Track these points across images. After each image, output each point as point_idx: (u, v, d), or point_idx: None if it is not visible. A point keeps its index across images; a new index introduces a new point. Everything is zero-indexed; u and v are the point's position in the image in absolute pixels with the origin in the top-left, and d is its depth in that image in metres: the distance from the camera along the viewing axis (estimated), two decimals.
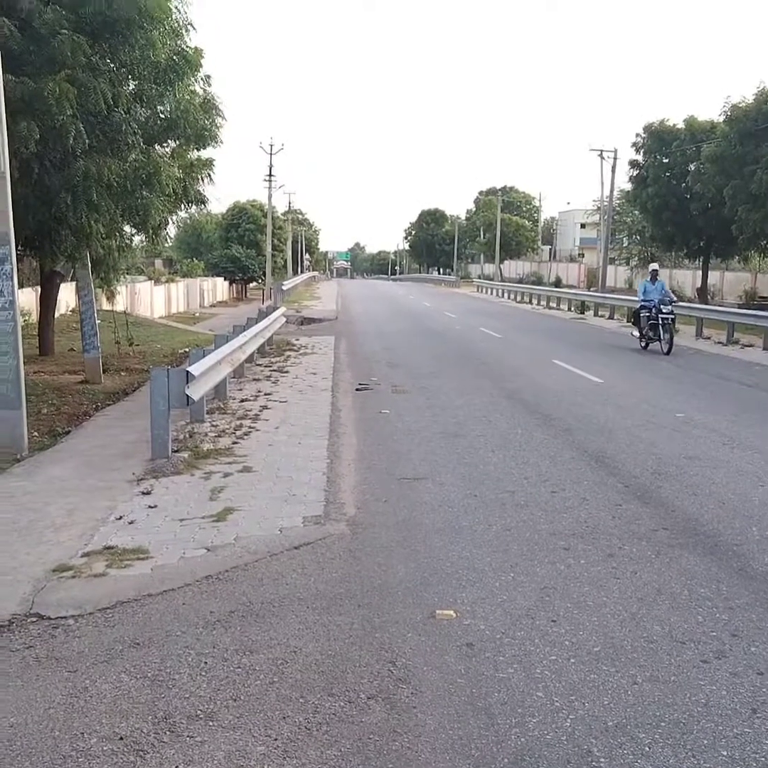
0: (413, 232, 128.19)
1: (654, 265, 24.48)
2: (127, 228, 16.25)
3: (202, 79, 15.30)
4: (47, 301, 19.31)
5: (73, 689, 4.44)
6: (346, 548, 6.61)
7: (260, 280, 62.02)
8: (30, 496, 7.99)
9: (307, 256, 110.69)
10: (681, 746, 3.90)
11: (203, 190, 17.27)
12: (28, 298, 25.16)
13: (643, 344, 22.32)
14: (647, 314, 21.88)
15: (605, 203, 50.30)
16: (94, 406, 13.07)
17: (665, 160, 39.06)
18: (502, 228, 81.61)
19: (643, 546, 6.68)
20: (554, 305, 44.52)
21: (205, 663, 4.71)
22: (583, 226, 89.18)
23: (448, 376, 16.62)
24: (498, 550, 6.56)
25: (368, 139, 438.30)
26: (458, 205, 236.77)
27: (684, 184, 37.08)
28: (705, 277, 41.86)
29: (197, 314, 41.18)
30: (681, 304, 32.94)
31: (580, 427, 11.47)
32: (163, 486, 8.33)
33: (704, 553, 6.52)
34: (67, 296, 26.49)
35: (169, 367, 11.75)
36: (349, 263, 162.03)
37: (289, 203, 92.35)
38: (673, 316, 21.76)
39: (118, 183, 12.69)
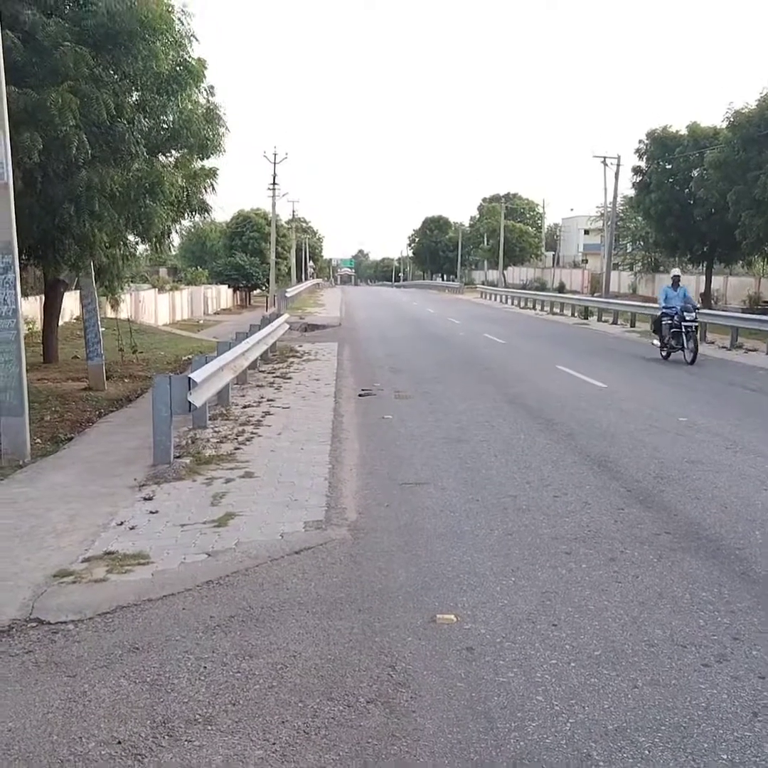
0: (417, 239, 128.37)
1: (675, 271, 23.27)
2: (130, 237, 16.31)
3: (205, 89, 15.37)
4: (51, 309, 19.36)
5: (72, 694, 4.44)
6: (347, 553, 6.60)
7: (264, 288, 62.11)
8: (32, 502, 7.99)
9: (310, 263, 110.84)
10: (681, 750, 3.88)
11: (206, 199, 17.35)
12: (32, 307, 25.25)
13: (664, 353, 21.20)
14: (669, 322, 20.77)
15: (608, 209, 50.33)
16: (97, 412, 13.09)
17: (668, 166, 39.10)
18: (506, 234, 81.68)
19: (645, 550, 6.66)
20: (558, 311, 44.48)
21: (205, 667, 4.70)
22: (586, 232, 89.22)
23: (451, 382, 16.61)
24: (499, 555, 6.55)
25: (371, 147, 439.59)
26: (462, 212, 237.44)
27: (687, 190, 37.10)
28: (709, 282, 41.83)
29: (201, 322, 41.26)
30: None
31: (583, 431, 11.45)
32: (164, 492, 8.33)
33: (706, 557, 6.50)
34: (71, 304, 26.55)
35: (172, 373, 11.76)
36: (353, 270, 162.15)
37: (293, 211, 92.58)
38: (696, 324, 20.89)
39: (120, 192, 12.73)
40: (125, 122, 12.65)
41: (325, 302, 55.43)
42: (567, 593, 5.77)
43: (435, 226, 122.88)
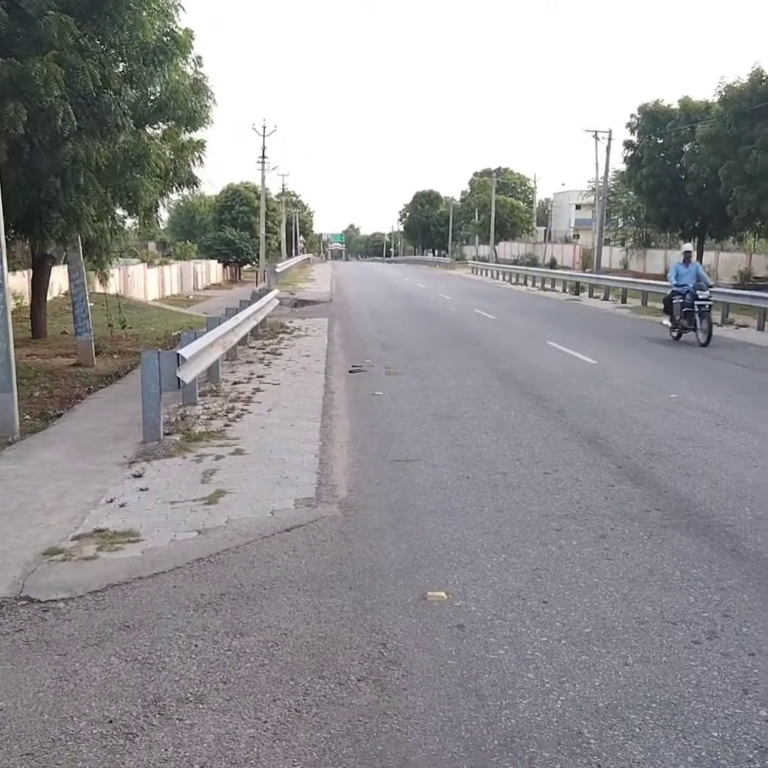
0: (408, 214, 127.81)
1: (687, 246, 22.16)
2: (118, 211, 16.18)
3: (192, 60, 15.21)
4: (39, 284, 19.23)
5: (63, 672, 4.42)
6: (337, 530, 6.59)
7: (254, 263, 61.85)
8: (21, 480, 7.95)
9: (301, 238, 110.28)
10: (672, 727, 3.90)
11: (195, 171, 17.21)
12: (20, 282, 25.09)
13: (674, 334, 20.05)
14: (681, 301, 19.53)
15: (600, 184, 50.13)
16: (86, 389, 13.03)
17: (660, 141, 39.03)
18: (497, 209, 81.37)
19: (635, 527, 6.67)
20: (549, 286, 44.47)
21: (195, 646, 4.69)
22: (578, 207, 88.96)
23: (442, 358, 16.59)
24: (490, 532, 6.55)
25: (362, 121, 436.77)
26: (453, 187, 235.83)
27: (678, 165, 37.05)
28: (700, 257, 41.77)
29: (191, 297, 41.11)
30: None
31: (574, 408, 11.45)
32: (154, 469, 8.30)
33: (696, 534, 6.51)
34: (59, 279, 26.39)
35: (161, 349, 11.70)
36: (344, 245, 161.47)
37: (283, 185, 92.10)
38: (710, 303, 19.52)
39: (106, 166, 12.60)
40: (112, 93, 12.49)
41: (315, 277, 55.24)
42: (557, 570, 5.78)
43: (426, 201, 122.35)
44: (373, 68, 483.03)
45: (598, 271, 44.81)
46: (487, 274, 61.86)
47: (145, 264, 41.97)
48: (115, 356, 16.54)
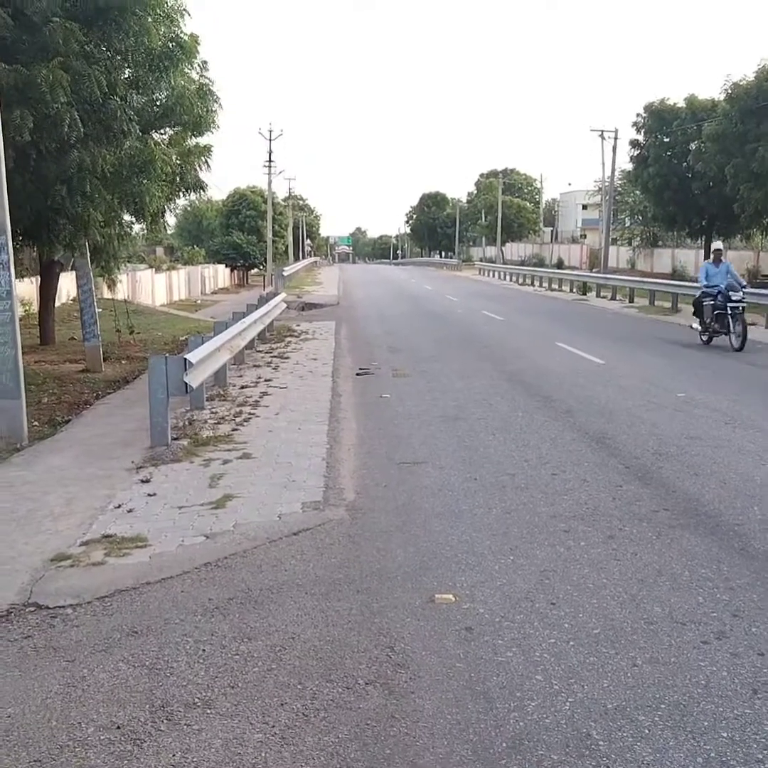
0: (414, 216, 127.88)
1: (717, 244, 20.91)
2: (126, 216, 16.22)
3: (198, 65, 15.25)
4: (47, 291, 19.28)
5: (71, 679, 4.43)
6: (345, 533, 6.59)
7: (261, 267, 61.86)
8: (29, 486, 7.97)
9: (308, 241, 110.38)
10: (681, 728, 3.88)
11: (201, 176, 17.24)
12: (28, 288, 25.16)
13: (704, 338, 18.83)
14: (712, 302, 18.27)
15: (606, 184, 50.05)
16: (94, 394, 13.06)
17: (666, 140, 38.93)
18: (504, 210, 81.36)
19: (643, 527, 6.65)
20: (556, 287, 44.45)
21: (203, 650, 4.69)
22: (584, 207, 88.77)
23: (449, 360, 16.58)
24: (497, 534, 6.53)
25: (368, 124, 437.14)
26: (459, 188, 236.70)
27: (685, 163, 36.95)
28: (707, 256, 41.66)
29: (198, 301, 41.13)
30: (683, 283, 32.93)
31: (581, 408, 11.42)
32: (162, 474, 8.31)
33: (705, 534, 6.49)
34: (67, 285, 26.46)
35: (168, 354, 11.71)
36: (351, 248, 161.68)
37: (290, 189, 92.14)
38: (744, 304, 18.20)
39: (112, 172, 12.62)
40: (118, 99, 12.53)
41: (322, 281, 55.29)
42: (565, 571, 5.76)
43: (432, 203, 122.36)
44: (378, 70, 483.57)
45: (606, 270, 44.72)
46: (494, 276, 61.82)
47: (153, 269, 42.02)
48: (123, 362, 16.57)
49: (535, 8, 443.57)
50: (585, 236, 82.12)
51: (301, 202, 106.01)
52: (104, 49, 12.83)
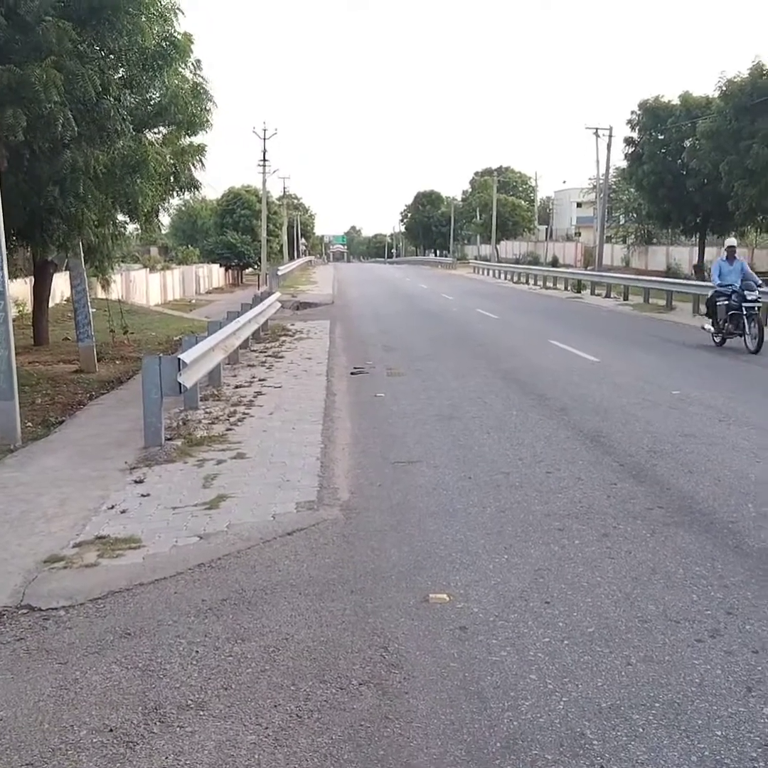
0: (409, 215, 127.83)
1: (731, 240, 19.89)
2: (120, 216, 16.19)
3: (192, 64, 15.22)
4: (41, 291, 19.24)
5: (64, 681, 4.41)
6: (339, 533, 6.57)
7: (256, 266, 61.85)
8: (22, 487, 7.94)
9: (302, 240, 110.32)
10: (675, 727, 3.87)
11: (195, 175, 17.22)
12: (22, 289, 25.11)
13: (717, 339, 17.98)
14: (726, 302, 17.40)
15: (601, 181, 50.09)
16: (88, 395, 13.03)
17: (661, 137, 38.99)
18: (498, 208, 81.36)
19: (637, 525, 6.64)
20: (551, 285, 44.47)
21: (197, 652, 4.67)
22: (579, 205, 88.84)
23: (444, 359, 16.57)
24: (492, 532, 6.52)
25: (362, 122, 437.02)
26: (454, 187, 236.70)
27: (679, 161, 37.00)
28: (702, 253, 41.77)
29: (193, 301, 41.11)
30: (678, 281, 32.97)
31: (576, 406, 11.42)
32: (155, 474, 8.29)
33: (699, 532, 6.48)
34: (61, 285, 26.42)
35: (162, 354, 11.69)
36: (346, 247, 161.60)
37: (284, 188, 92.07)
38: (760, 304, 17.33)
39: (105, 173, 12.59)
40: (111, 99, 12.48)
41: (317, 280, 55.26)
42: (560, 570, 5.75)
43: (427, 201, 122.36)
44: (372, 69, 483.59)
45: (600, 268, 44.78)
46: (489, 274, 61.86)
47: (147, 269, 41.99)
48: (117, 362, 16.54)
49: (530, 7, 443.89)
50: (579, 234, 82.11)
51: (295, 201, 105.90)
52: (98, 48, 12.79)
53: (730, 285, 17.61)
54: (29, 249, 17.82)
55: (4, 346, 9.70)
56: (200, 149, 16.95)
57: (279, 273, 43.89)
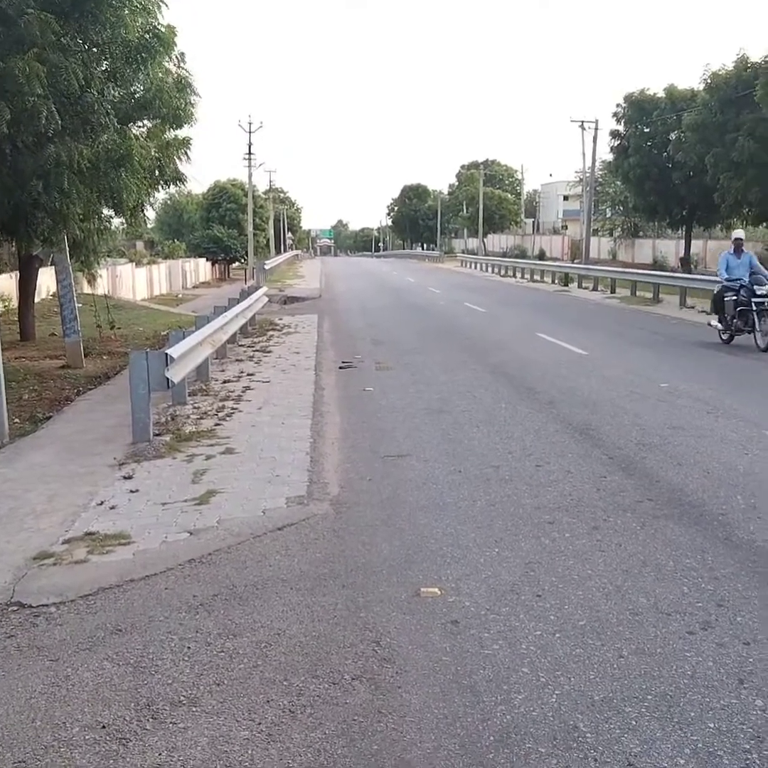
0: (396, 208, 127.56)
1: (738, 232, 19.01)
2: (105, 210, 16.08)
3: (176, 57, 15.09)
4: (26, 286, 19.13)
5: (55, 678, 4.39)
6: (329, 528, 6.56)
7: (243, 260, 61.69)
8: (10, 484, 7.90)
9: (289, 234, 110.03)
10: (668, 719, 3.88)
11: (181, 168, 17.12)
12: (7, 284, 24.99)
13: (725, 337, 17.08)
14: (734, 298, 16.48)
15: (587, 174, 50.13)
16: (75, 390, 12.97)
17: (646, 130, 38.98)
18: (485, 202, 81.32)
19: (627, 518, 6.66)
20: (538, 278, 44.49)
21: (188, 648, 4.66)
22: (566, 198, 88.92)
23: (432, 352, 16.56)
24: (482, 526, 6.53)
25: (349, 116, 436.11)
26: (440, 180, 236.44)
27: (665, 154, 37.00)
28: (688, 246, 41.85)
29: (180, 296, 41.00)
30: (665, 273, 33.04)
31: (565, 399, 11.44)
32: (144, 470, 8.26)
33: (689, 524, 6.50)
34: (47, 281, 26.24)
35: (150, 349, 11.64)
36: (333, 241, 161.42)
37: (270, 181, 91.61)
38: None
39: (89, 167, 12.50)
40: (95, 92, 12.38)
41: (304, 274, 55.13)
42: (551, 563, 5.76)
43: (414, 195, 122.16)
44: (357, 63, 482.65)
45: (587, 261, 44.83)
46: (476, 267, 61.85)
47: (133, 263, 41.80)
48: (104, 357, 16.47)
49: (516, 0, 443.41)
50: (566, 227, 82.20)
51: (282, 195, 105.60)
52: (81, 41, 12.68)
53: (739, 279, 16.69)
54: (14, 244, 17.71)
55: None
56: (185, 142, 16.83)
57: (266, 267, 43.81)
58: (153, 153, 15.27)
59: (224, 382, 13.16)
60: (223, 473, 8.05)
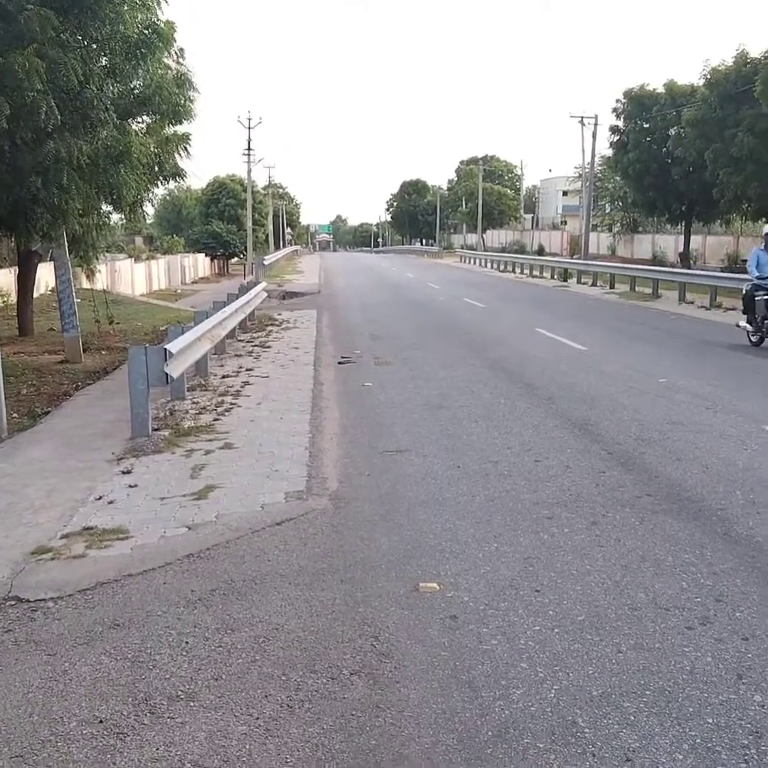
0: (395, 204, 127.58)
1: None
2: (104, 206, 16.06)
3: (175, 52, 15.06)
4: (25, 281, 19.11)
5: (53, 672, 4.38)
6: (328, 523, 6.56)
7: (242, 256, 61.63)
8: (8, 478, 7.89)
9: (288, 229, 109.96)
10: (666, 715, 3.88)
11: (180, 163, 17.09)
12: (6, 279, 24.97)
13: (755, 339, 16.01)
14: (765, 297, 15.41)
15: (586, 170, 50.11)
16: (74, 385, 12.96)
17: (646, 125, 38.96)
18: (484, 197, 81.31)
19: (626, 513, 6.65)
20: (537, 274, 44.51)
21: (186, 643, 4.65)
22: (565, 193, 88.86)
23: (431, 348, 16.55)
24: (481, 521, 6.52)
25: (348, 111, 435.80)
26: (440, 175, 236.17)
27: (665, 149, 36.98)
28: (687, 241, 41.85)
29: (179, 291, 40.95)
30: (664, 269, 33.04)
31: (564, 395, 11.43)
32: (143, 465, 8.25)
33: (688, 519, 6.50)
34: (46, 276, 26.23)
35: (149, 345, 11.63)
36: (332, 236, 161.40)
37: (269, 177, 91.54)
38: None
39: (88, 163, 12.48)
40: (94, 88, 12.36)
41: (303, 269, 55.12)
42: (549, 558, 5.76)
43: (413, 190, 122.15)
44: (357, 58, 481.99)
45: (586, 257, 44.84)
46: (475, 263, 61.86)
47: (132, 259, 41.78)
48: (102, 352, 16.45)
49: None
50: (565, 223, 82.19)
51: (281, 191, 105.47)
52: (80, 37, 12.66)
53: None
54: (13, 239, 17.70)
55: None
56: (185, 138, 16.80)
57: (265, 262, 43.74)
58: (152, 149, 15.26)
59: (223, 377, 13.15)
60: (221, 468, 8.04)
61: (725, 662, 4.33)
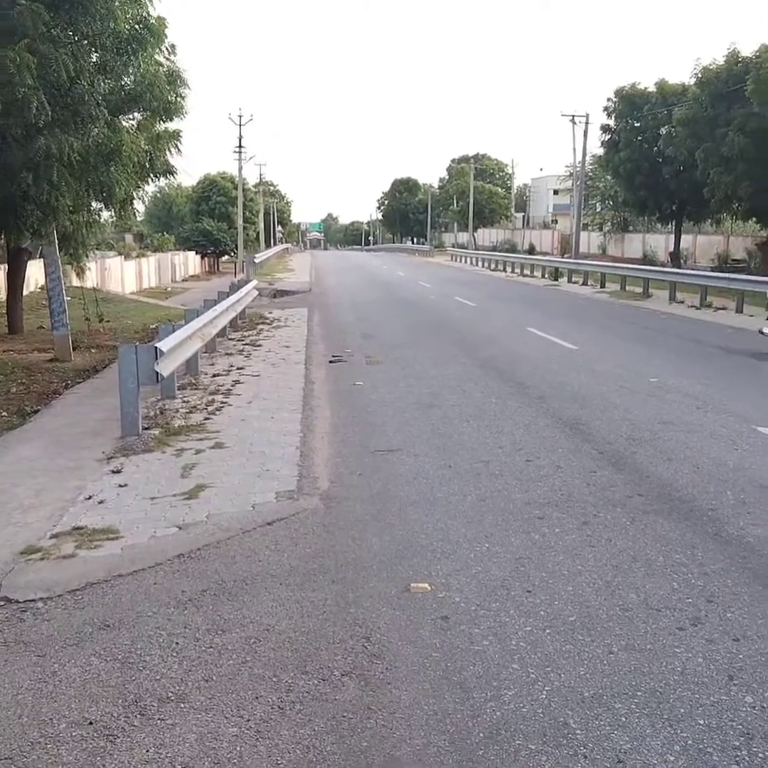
0: (386, 202, 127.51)
1: None
2: (94, 203, 15.99)
3: (166, 48, 15.00)
4: (15, 279, 19.01)
5: (42, 674, 4.36)
6: (319, 523, 6.54)
7: (232, 254, 61.50)
8: None
9: (279, 228, 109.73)
10: (657, 716, 3.88)
11: (171, 160, 17.03)
12: None
13: None
14: None
15: (577, 169, 50.16)
16: (63, 384, 12.90)
17: (637, 124, 38.99)
18: (475, 196, 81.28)
19: (617, 513, 6.65)
20: (528, 272, 44.54)
21: (177, 644, 4.63)
22: (556, 192, 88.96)
23: (422, 347, 16.54)
24: (473, 521, 6.51)
25: (339, 109, 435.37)
26: (431, 174, 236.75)
27: (656, 148, 37.02)
28: (677, 240, 41.91)
29: (169, 289, 40.81)
30: (655, 268, 33.09)
31: (555, 394, 11.43)
32: (133, 464, 8.21)
33: (679, 519, 6.50)
34: (36, 273, 26.12)
35: (139, 343, 11.59)
36: (323, 234, 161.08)
37: (260, 175, 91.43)
38: None
39: (79, 161, 12.42)
40: (85, 84, 12.31)
41: (294, 267, 55.05)
42: (541, 559, 5.75)
43: (404, 188, 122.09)
44: (348, 56, 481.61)
45: (577, 256, 44.88)
46: (466, 261, 61.87)
47: (123, 256, 41.62)
48: (92, 350, 16.38)
49: None
50: (556, 222, 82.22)
51: (271, 188, 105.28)
52: (71, 33, 12.59)
53: None
54: (3, 236, 17.60)
55: None
56: (175, 135, 16.74)
57: (256, 261, 43.69)
58: (143, 145, 15.18)
59: (214, 376, 13.11)
60: (212, 468, 8.01)
61: (716, 663, 4.33)
